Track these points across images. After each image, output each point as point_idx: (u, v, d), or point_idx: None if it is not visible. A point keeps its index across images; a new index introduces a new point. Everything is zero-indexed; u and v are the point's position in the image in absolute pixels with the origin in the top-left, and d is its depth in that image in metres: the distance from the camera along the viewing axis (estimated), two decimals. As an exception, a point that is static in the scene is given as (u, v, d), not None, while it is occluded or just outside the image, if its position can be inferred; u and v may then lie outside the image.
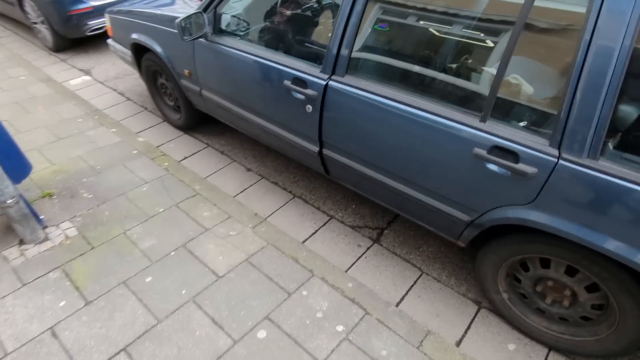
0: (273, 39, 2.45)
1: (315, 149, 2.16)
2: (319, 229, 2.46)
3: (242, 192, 2.74)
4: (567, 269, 1.62)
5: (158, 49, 2.85)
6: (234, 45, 2.31)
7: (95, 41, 5.04)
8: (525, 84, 1.47)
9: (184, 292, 1.95)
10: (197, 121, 3.28)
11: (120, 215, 2.39)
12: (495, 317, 1.98)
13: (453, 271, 2.22)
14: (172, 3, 3.15)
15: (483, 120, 1.52)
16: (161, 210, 2.44)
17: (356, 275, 2.15)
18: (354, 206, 2.64)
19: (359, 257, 2.28)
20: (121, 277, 2.02)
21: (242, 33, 2.43)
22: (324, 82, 1.92)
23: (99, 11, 4.41)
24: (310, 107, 2.02)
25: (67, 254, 2.14)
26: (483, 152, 1.51)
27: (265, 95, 2.24)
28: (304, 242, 2.36)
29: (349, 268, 2.21)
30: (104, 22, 4.53)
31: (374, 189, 2.07)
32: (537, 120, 1.44)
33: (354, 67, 1.87)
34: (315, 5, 2.59)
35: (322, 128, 2.05)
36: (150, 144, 3.12)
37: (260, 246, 2.22)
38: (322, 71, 1.94)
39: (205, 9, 2.36)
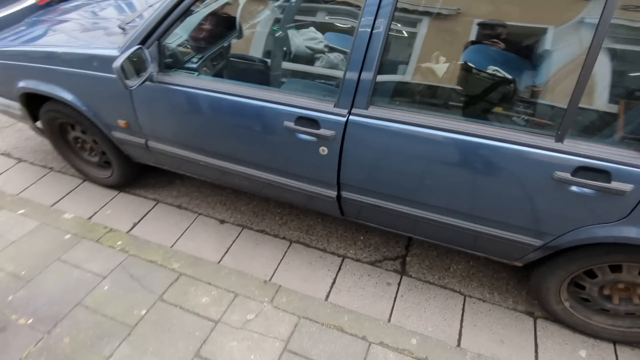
0: (249, 71, 1.99)
1: (333, 193, 1.81)
2: (336, 276, 2.13)
3: (226, 253, 2.26)
4: (640, 269, 1.57)
5: (68, 97, 2.14)
6: (196, 85, 1.80)
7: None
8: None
9: (228, 422, 1.49)
10: (135, 175, 2.63)
11: (88, 336, 1.76)
12: (554, 326, 1.91)
13: (492, 285, 2.09)
14: (46, 34, 2.41)
15: (560, 139, 1.34)
16: (144, 312, 1.86)
17: (404, 322, 1.90)
18: (362, 238, 2.35)
19: (395, 298, 2.02)
20: None
21: (201, 67, 1.91)
22: (343, 119, 1.57)
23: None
24: (326, 150, 1.65)
25: None
26: (566, 176, 1.35)
27: (255, 141, 1.80)
28: (327, 297, 2.02)
29: (391, 315, 1.94)
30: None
31: (410, 224, 1.81)
32: (627, 132, 1.31)
33: (379, 95, 1.56)
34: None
35: (341, 170, 1.71)
36: (82, 218, 2.41)
37: (292, 324, 1.81)
38: (338, 105, 1.58)
39: (144, 42, 1.79)
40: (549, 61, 1.44)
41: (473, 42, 1.71)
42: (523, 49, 1.64)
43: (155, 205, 2.57)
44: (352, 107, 1.56)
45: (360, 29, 1.45)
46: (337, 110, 1.58)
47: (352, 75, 1.51)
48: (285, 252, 2.26)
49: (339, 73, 2.20)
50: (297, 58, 2.42)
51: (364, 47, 1.46)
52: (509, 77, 1.57)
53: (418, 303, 2.01)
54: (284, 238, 2.35)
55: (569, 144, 1.34)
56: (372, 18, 1.42)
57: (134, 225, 2.42)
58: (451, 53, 1.73)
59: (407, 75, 1.75)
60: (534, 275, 1.78)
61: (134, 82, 1.70)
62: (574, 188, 1.37)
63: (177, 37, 1.92)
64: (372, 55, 1.46)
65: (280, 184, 1.91)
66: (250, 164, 1.92)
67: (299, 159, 1.76)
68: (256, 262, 2.19)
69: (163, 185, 2.71)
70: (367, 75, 1.49)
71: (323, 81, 2.25)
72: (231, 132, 1.83)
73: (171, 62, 1.89)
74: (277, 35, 2.32)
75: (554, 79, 1.44)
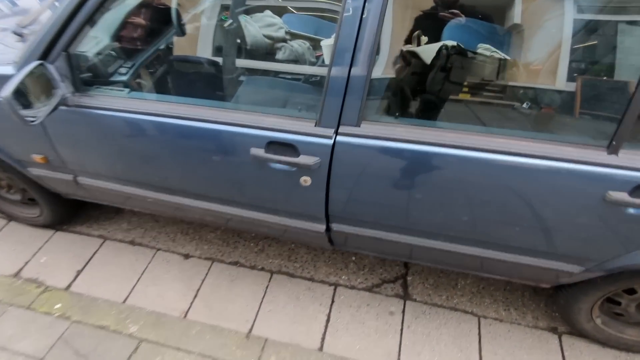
0: (197, 78, 1.56)
1: (321, 227, 1.46)
2: (330, 311, 1.81)
3: (196, 297, 1.87)
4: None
5: (-41, 129, 1.64)
6: (128, 107, 1.35)
7: None
8: None
9: None
10: (72, 210, 2.16)
11: None
12: (582, 341, 1.69)
13: (507, 300, 1.84)
14: None
15: (614, 151, 1.04)
16: (97, 403, 1.47)
17: (416, 363, 1.62)
18: (353, 259, 2.03)
19: (402, 331, 1.73)
20: None
21: (132, 79, 1.46)
22: (330, 141, 1.20)
23: None
24: (309, 180, 1.28)
25: None
26: (623, 196, 1.06)
27: (215, 174, 1.40)
28: (322, 341, 1.70)
29: (400, 353, 1.66)
30: None
31: (420, 254, 1.50)
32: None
33: (372, 107, 1.19)
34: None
35: (329, 202, 1.35)
36: (7, 277, 1.93)
37: (287, 391, 1.49)
38: (320, 124, 1.20)
39: (45, 56, 1.31)
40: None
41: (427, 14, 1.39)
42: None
43: (103, 243, 2.12)
44: (339, 124, 1.19)
45: (345, 14, 1.06)
46: (319, 130, 1.20)
47: (337, 82, 1.13)
48: (267, 287, 1.91)
49: (309, 69, 1.81)
50: (255, 52, 2.00)
51: (352, 39, 1.08)
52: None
53: (428, 334, 1.73)
54: (262, 269, 1.99)
55: (626, 156, 1.04)
56: None
57: (77, 274, 1.97)
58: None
59: (389, 70, 1.40)
60: (563, 295, 1.54)
61: (37, 114, 1.24)
62: (631, 210, 1.08)
63: (95, 42, 1.45)
64: (365, 49, 1.08)
65: (253, 220, 1.53)
66: (212, 198, 1.53)
67: (274, 192, 1.38)
68: (233, 306, 1.83)
69: (110, 217, 2.26)
70: (357, 78, 1.12)
71: (290, 77, 1.87)
72: (182, 164, 1.42)
73: (90, 78, 1.42)
74: (226, 26, 1.88)
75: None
